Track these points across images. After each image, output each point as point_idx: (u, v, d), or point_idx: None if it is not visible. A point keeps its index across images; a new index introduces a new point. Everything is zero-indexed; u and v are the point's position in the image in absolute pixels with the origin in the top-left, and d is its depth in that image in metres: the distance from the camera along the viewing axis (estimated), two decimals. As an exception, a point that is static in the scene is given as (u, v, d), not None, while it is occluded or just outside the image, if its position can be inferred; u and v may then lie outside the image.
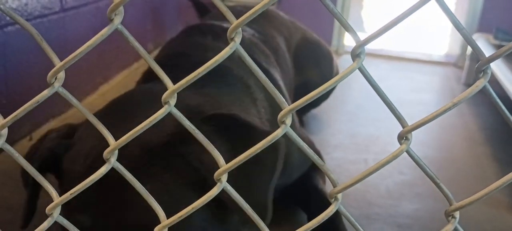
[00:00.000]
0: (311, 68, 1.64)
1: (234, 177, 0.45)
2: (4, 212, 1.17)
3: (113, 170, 0.58)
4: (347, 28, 0.36)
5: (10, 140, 1.56)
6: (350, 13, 3.06)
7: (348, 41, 3.07)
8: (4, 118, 0.44)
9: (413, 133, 0.90)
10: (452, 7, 3.33)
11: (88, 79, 1.91)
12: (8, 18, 1.39)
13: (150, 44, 2.59)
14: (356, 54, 0.35)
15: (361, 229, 0.45)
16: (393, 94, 2.30)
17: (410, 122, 0.41)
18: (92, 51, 1.52)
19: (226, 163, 0.39)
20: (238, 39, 0.34)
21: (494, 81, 2.67)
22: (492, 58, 0.33)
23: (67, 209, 0.55)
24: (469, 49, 2.59)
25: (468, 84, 2.52)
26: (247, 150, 0.38)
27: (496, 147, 1.77)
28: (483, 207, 1.34)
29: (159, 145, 0.69)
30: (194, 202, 0.54)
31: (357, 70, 0.37)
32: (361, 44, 0.34)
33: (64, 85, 0.41)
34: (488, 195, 0.35)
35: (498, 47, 2.28)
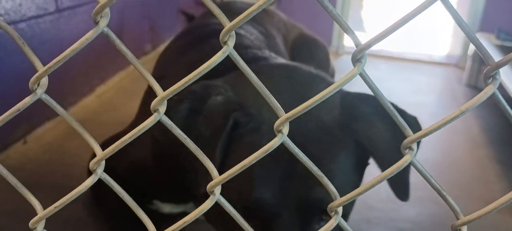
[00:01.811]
0: (308, 62, 1.64)
1: None
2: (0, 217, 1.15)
3: (305, 145, 0.63)
4: (347, 30, 0.34)
5: (4, 143, 1.54)
6: (350, 13, 3.04)
7: (348, 41, 3.05)
8: None
9: (416, 118, 0.84)
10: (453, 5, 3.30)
11: (85, 81, 1.89)
12: (1, 19, 1.37)
13: (148, 45, 2.57)
14: (357, 59, 0.33)
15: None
16: (394, 95, 2.28)
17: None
18: (88, 53, 1.48)
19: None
20: (231, 42, 0.32)
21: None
22: (501, 64, 0.30)
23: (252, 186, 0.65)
24: (471, 49, 2.56)
25: (469, 85, 2.50)
26: None
27: (499, 149, 1.75)
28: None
29: (334, 123, 0.72)
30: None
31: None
32: (362, 49, 0.32)
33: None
34: (497, 209, 0.33)
35: (500, 47, 2.26)
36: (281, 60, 0.99)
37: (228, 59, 0.91)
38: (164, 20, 2.78)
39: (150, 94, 1.15)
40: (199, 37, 1.19)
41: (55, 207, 0.37)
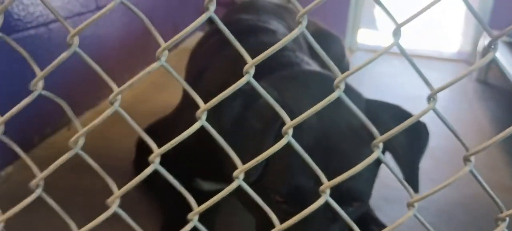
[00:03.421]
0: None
1: None
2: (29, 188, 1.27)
3: (312, 143, 0.79)
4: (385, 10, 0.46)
5: (53, 129, 1.68)
6: (363, 12, 3.15)
7: (361, 38, 3.17)
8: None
9: (425, 124, 0.96)
10: (462, 4, 3.39)
11: (118, 75, 2.01)
12: (52, 15, 1.52)
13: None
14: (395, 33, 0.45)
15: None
16: (405, 89, 2.39)
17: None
18: (120, 50, 1.66)
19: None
20: (304, 22, 0.45)
21: (502, 77, 2.73)
22: (500, 35, 0.43)
23: (292, 174, 0.76)
24: (480, 46, 2.67)
25: (479, 81, 2.60)
26: None
27: (506, 139, 1.84)
28: (494, 192, 1.43)
29: (361, 126, 0.80)
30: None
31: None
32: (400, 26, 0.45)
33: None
34: (500, 140, 0.46)
35: (508, 44, 2.37)
36: (313, 66, 1.08)
37: (268, 63, 1.04)
38: (186, 20, 2.93)
39: (194, 78, 1.26)
40: (234, 33, 1.30)
41: (170, 144, 0.50)
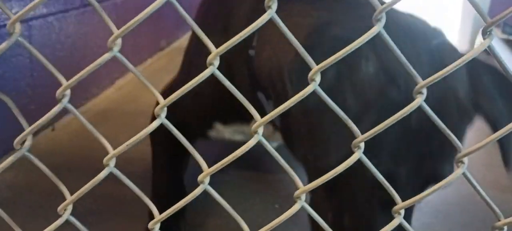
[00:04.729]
0: None
1: None
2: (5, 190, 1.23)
3: (417, 125, 0.65)
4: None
5: (36, 129, 1.62)
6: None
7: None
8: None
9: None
10: (460, 2, 3.36)
11: (106, 74, 1.98)
12: (32, 12, 1.46)
13: (163, 42, 2.67)
14: (377, 19, 0.40)
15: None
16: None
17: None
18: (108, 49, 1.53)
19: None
20: (274, 6, 0.40)
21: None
22: (495, 21, 0.38)
23: (382, 163, 0.62)
24: (477, 44, 2.62)
25: (476, 78, 2.56)
26: None
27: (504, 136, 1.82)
28: (490, 192, 1.37)
29: (466, 97, 0.73)
30: None
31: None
32: (382, 10, 0.39)
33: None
34: (495, 139, 0.41)
35: (506, 41, 2.33)
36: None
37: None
38: (178, 19, 2.89)
39: (196, 46, 1.14)
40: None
41: (126, 145, 0.45)
